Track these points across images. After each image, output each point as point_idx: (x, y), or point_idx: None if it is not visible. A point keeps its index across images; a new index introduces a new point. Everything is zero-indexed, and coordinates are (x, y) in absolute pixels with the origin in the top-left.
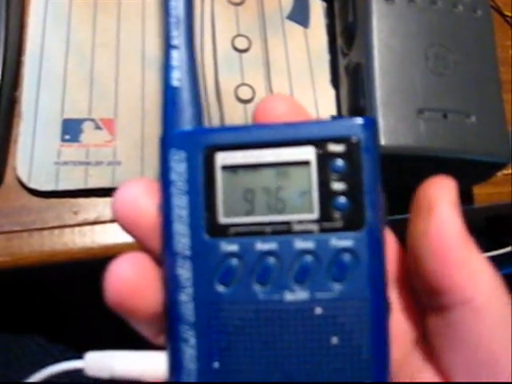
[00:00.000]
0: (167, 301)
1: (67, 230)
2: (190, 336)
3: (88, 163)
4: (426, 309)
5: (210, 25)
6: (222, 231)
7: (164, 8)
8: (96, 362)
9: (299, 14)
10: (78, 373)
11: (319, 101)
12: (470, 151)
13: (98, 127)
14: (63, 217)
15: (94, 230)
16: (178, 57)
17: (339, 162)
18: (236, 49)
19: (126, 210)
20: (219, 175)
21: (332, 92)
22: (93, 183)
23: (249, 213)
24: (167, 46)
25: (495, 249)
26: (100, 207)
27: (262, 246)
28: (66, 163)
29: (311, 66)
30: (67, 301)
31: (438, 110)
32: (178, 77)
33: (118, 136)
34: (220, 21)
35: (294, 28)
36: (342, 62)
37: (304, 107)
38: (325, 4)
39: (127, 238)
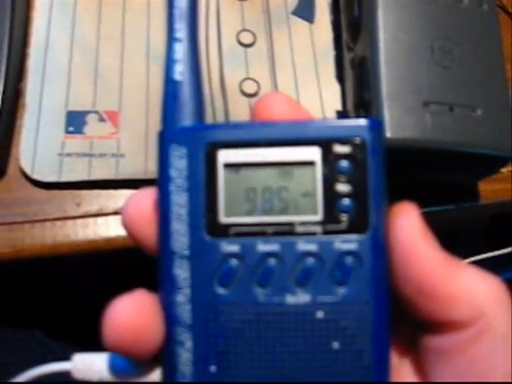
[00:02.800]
0: (163, 302)
1: (69, 222)
2: (185, 338)
3: (91, 155)
4: (416, 324)
5: (216, 19)
6: (223, 231)
7: (168, 0)
8: (85, 363)
9: (304, 10)
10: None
11: (324, 95)
12: (476, 145)
13: (102, 119)
14: (65, 208)
15: (96, 222)
16: (180, 50)
17: (344, 164)
18: (241, 43)
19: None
20: (221, 173)
21: (337, 86)
22: (96, 175)
23: (250, 213)
24: (170, 39)
25: (500, 248)
26: (103, 199)
27: (263, 247)
28: (69, 155)
29: (316, 61)
30: (69, 295)
31: (443, 103)
32: (180, 70)
33: (122, 128)
34: (225, 16)
35: (299, 23)
36: (348, 56)
37: (303, 107)
38: None
39: None
